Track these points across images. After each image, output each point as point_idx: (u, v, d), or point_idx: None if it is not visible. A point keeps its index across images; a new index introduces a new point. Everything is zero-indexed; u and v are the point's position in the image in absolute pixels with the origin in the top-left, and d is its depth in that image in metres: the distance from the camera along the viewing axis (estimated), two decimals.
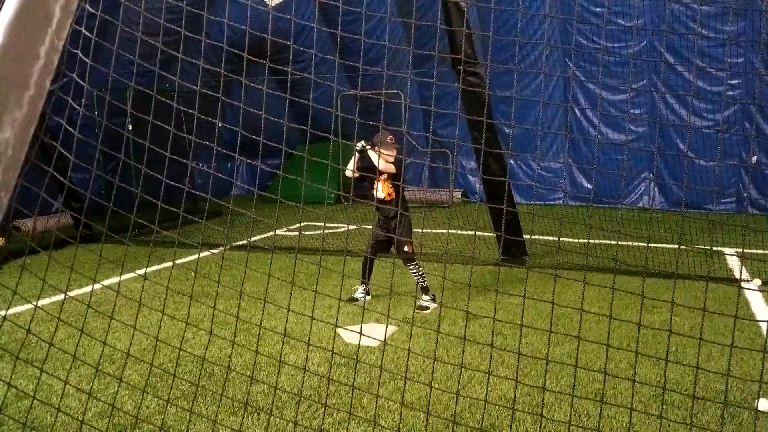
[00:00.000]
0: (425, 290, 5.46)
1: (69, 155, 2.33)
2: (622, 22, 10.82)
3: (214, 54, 9.93)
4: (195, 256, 7.12)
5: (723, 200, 11.24)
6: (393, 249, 5.61)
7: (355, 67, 12.00)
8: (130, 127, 7.47)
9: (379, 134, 5.23)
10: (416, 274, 5.46)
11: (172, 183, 2.48)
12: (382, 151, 5.14)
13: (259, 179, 13.86)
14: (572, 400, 3.15)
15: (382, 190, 5.44)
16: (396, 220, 5.27)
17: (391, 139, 5.30)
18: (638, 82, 11.48)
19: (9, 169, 1.34)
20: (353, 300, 5.59)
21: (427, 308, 5.40)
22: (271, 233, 9.00)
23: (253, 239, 8.52)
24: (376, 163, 5.15)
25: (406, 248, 5.38)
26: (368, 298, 5.61)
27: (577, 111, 12.17)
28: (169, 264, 6.78)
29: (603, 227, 7.72)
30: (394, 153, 5.35)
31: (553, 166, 12.66)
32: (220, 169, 12.92)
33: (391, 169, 5.31)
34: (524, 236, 7.19)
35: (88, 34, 1.83)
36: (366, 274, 5.57)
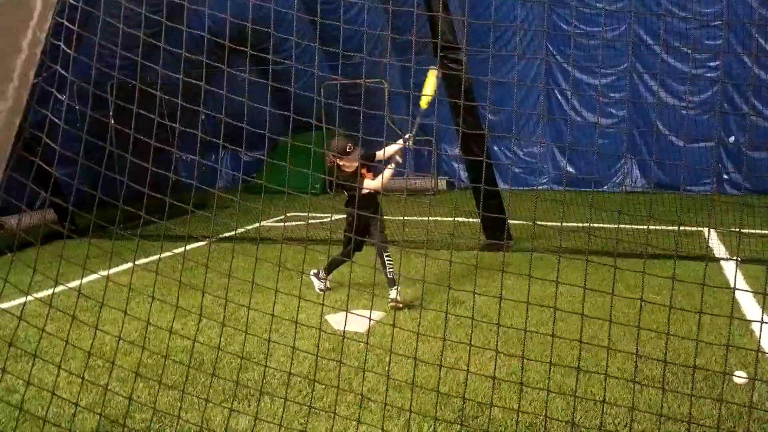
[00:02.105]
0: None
1: (56, 146, 2.34)
2: (602, 6, 10.91)
3: (195, 46, 9.85)
4: (180, 249, 7.11)
5: (702, 181, 11.42)
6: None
7: (337, 57, 11.97)
8: (112, 122, 7.40)
9: (335, 140, 5.19)
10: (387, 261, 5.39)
11: (158, 171, 2.50)
12: (345, 162, 5.10)
13: (243, 171, 13.82)
14: (550, 369, 3.23)
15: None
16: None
17: (350, 148, 5.11)
18: (619, 66, 11.59)
19: None
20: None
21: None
22: (257, 224, 9.01)
23: (238, 231, 8.53)
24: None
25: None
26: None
27: (558, 95, 12.27)
28: (154, 258, 6.77)
29: (581, 209, 7.82)
30: (357, 158, 5.15)
31: (536, 151, 12.77)
32: (204, 162, 12.85)
33: (373, 185, 5.18)
34: (508, 221, 7.29)
35: (70, 26, 1.84)
36: (336, 267, 5.59)
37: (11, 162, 1.43)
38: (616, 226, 4.81)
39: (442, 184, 12.88)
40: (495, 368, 3.26)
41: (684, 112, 11.07)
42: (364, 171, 5.21)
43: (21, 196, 3.03)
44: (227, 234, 8.24)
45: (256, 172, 13.70)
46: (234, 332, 4.44)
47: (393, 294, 5.15)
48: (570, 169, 12.06)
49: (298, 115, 3.11)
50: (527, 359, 3.52)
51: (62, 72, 1.89)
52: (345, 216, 5.47)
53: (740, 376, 3.49)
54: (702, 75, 11.01)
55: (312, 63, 12.18)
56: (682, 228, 7.11)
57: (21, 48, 1.35)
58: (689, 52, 10.66)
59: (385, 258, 5.25)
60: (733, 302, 4.86)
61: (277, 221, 9.61)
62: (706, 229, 7.71)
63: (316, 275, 5.64)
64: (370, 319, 3.36)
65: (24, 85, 1.40)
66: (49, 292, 4.43)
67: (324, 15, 11.20)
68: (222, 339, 4.26)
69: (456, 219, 8.66)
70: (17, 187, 2.96)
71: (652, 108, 11.67)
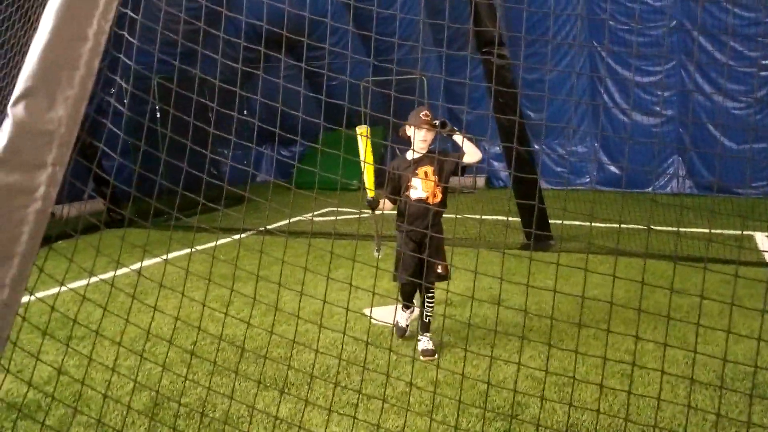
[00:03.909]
0: (428, 327, 4.08)
1: (120, 132, 2.40)
2: (651, 2, 10.63)
3: (236, 44, 9.99)
4: (220, 241, 7.25)
5: (754, 183, 11.02)
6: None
7: (378, 53, 11.99)
8: (158, 115, 7.60)
9: (413, 113, 3.88)
10: (432, 304, 4.07)
11: (213, 159, 2.55)
12: (417, 132, 3.76)
13: (283, 167, 14.02)
14: (602, 372, 3.17)
15: (423, 188, 3.86)
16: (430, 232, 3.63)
17: (425, 115, 3.79)
18: (667, 63, 11.28)
19: (63, 145, 1.41)
20: (402, 331, 4.26)
21: (434, 352, 4.01)
22: (296, 219, 9.11)
23: (278, 225, 8.63)
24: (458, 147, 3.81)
25: (439, 269, 3.93)
26: (414, 315, 4.28)
27: (604, 95, 12.02)
28: (197, 248, 6.92)
29: (632, 212, 7.67)
30: (433, 133, 3.83)
31: (579, 150, 12.54)
32: (245, 157, 13.06)
33: (475, 156, 3.79)
34: (551, 221, 7.18)
35: (133, 15, 1.89)
36: (409, 299, 4.16)
37: (77, 148, 1.48)
38: (676, 228, 4.68)
39: (481, 181, 12.79)
40: (547, 364, 3.21)
41: (736, 111, 10.70)
42: (420, 175, 3.88)
43: (72, 186, 3.13)
44: (268, 226, 8.35)
45: (292, 170, 13.86)
46: (275, 322, 4.50)
47: (423, 343, 4.01)
48: (614, 169, 11.81)
49: (336, 113, 3.12)
50: (581, 354, 3.46)
51: (127, 61, 1.95)
52: (399, 234, 4.02)
53: None
54: (755, 73, 10.63)
55: (352, 62, 12.22)
56: (732, 232, 6.89)
57: (87, 37, 1.40)
58: (732, 47, 10.29)
59: (428, 297, 4.04)
60: None
61: (314, 215, 9.68)
62: (757, 233, 7.46)
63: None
64: (415, 308, 3.35)
65: (90, 73, 1.45)
66: (96, 278, 4.58)
67: (364, 11, 11.23)
68: (273, 325, 4.32)
69: (495, 217, 8.58)
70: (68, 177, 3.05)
71: (701, 107, 11.31)
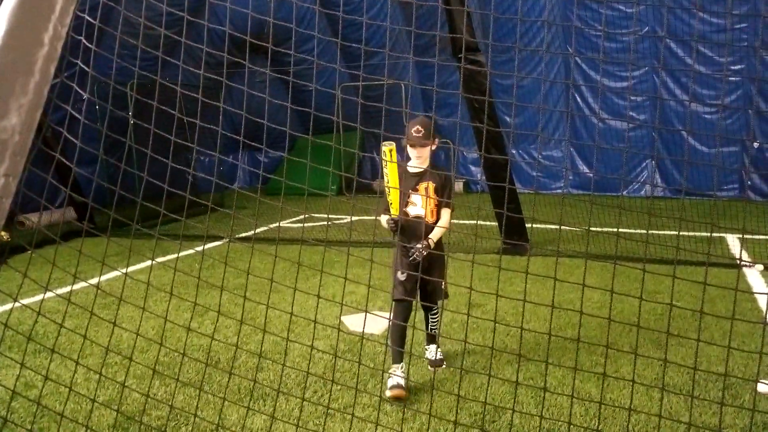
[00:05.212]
0: (434, 338, 4.01)
1: (77, 142, 2.35)
2: (623, 8, 10.80)
3: (213, 47, 9.93)
4: (198, 248, 7.16)
5: (725, 186, 11.23)
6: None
7: (355, 58, 11.99)
8: (132, 121, 7.47)
9: (407, 126, 3.60)
10: (437, 318, 3.96)
11: (178, 167, 2.50)
12: (410, 149, 3.58)
13: (260, 172, 13.90)
14: (574, 375, 3.18)
15: (422, 204, 3.62)
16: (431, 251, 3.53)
17: (417, 130, 3.51)
18: (640, 69, 11.47)
19: (16, 154, 1.37)
20: (396, 388, 3.47)
21: (442, 362, 3.97)
22: (275, 225, 9.03)
23: (256, 231, 8.55)
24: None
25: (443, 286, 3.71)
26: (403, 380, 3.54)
27: (578, 99, 12.16)
28: (171, 256, 6.81)
29: (604, 214, 7.74)
30: (429, 148, 3.55)
31: (555, 154, 12.66)
32: (222, 162, 12.93)
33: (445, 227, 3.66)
34: (526, 224, 7.22)
35: (92, 20, 1.85)
36: (399, 344, 3.60)
37: (31, 157, 1.43)
38: (645, 231, 4.73)
39: (459, 186, 12.84)
40: (517, 372, 3.21)
41: (707, 116, 10.91)
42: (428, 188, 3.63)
43: (41, 193, 3.06)
44: (244, 234, 8.27)
45: (272, 174, 13.77)
46: (250, 331, 4.44)
47: (432, 353, 3.97)
48: (587, 170, 11.95)
49: (313, 119, 3.09)
50: (551, 364, 3.47)
51: (84, 67, 1.90)
52: (397, 251, 3.69)
53: (765, 383, 3.42)
54: (725, 78, 10.85)
55: (329, 66, 12.21)
56: (704, 234, 7.00)
57: (42, 42, 1.35)
58: (704, 52, 10.49)
59: (432, 314, 3.93)
60: (767, 309, 4.76)
61: (293, 222, 9.62)
62: (728, 235, 7.58)
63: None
64: (389, 320, 3.33)
65: (45, 80, 1.40)
66: (68, 288, 4.49)
67: (342, 17, 11.23)
68: (238, 338, 4.26)
69: (472, 222, 8.60)
70: (38, 184, 2.99)
71: (673, 112, 11.51)
